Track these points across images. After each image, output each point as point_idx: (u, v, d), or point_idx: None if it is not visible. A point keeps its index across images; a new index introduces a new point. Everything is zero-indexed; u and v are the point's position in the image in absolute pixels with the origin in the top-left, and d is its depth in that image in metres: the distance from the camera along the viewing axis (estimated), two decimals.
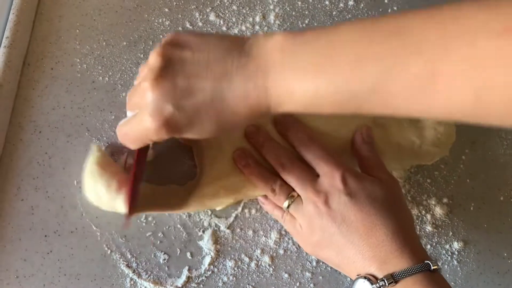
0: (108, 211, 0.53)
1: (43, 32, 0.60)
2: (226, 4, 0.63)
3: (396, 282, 0.44)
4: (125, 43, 0.60)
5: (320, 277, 0.55)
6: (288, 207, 0.51)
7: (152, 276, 0.53)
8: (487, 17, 0.34)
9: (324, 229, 0.48)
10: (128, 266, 0.53)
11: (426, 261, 0.45)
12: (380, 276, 0.45)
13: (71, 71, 0.59)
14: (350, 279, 0.48)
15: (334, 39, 0.39)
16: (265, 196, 0.54)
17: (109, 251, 0.53)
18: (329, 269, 0.55)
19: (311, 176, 0.50)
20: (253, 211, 0.56)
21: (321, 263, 0.55)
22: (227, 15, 0.63)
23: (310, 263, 0.55)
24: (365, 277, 0.45)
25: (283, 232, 0.56)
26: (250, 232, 0.55)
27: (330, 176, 0.49)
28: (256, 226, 0.56)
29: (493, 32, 0.33)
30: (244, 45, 0.41)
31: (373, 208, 0.48)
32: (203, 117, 0.41)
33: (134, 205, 0.49)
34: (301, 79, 0.39)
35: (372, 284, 0.45)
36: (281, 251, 0.55)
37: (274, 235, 0.55)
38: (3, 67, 0.56)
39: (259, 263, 0.54)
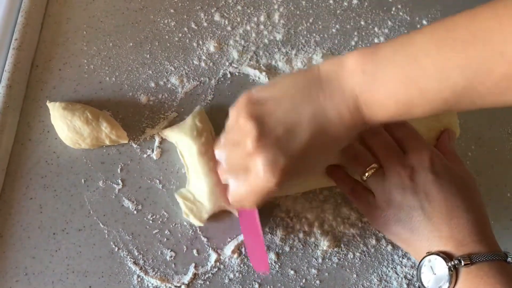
0: (115, 210, 0.54)
1: (51, 34, 0.61)
2: (231, 4, 0.64)
3: (472, 264, 0.44)
4: (131, 44, 0.61)
5: (326, 274, 0.55)
6: (366, 177, 0.51)
7: (159, 273, 0.53)
8: None
9: (403, 203, 0.49)
10: (135, 263, 0.54)
11: (505, 252, 0.46)
12: (456, 255, 0.45)
13: (78, 72, 0.60)
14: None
15: (413, 52, 0.41)
16: (334, 167, 0.54)
17: (116, 249, 0.54)
18: (335, 265, 0.55)
19: (399, 151, 0.52)
20: None
21: (327, 260, 0.55)
22: (232, 15, 0.64)
23: (316, 260, 0.55)
24: (438, 254, 0.45)
25: (289, 229, 0.56)
26: None
27: (418, 153, 0.50)
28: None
29: None
30: (319, 76, 0.44)
31: (457, 191, 0.48)
32: (312, 154, 0.44)
33: (267, 261, 0.52)
34: (391, 93, 0.41)
35: (445, 261, 0.45)
36: (287, 248, 0.55)
37: (280, 232, 0.56)
38: (12, 68, 0.57)
39: None
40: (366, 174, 0.51)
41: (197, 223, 0.54)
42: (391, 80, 0.41)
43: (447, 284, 0.45)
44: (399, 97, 0.41)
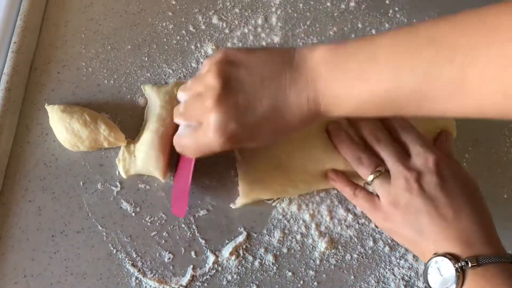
0: (113, 212, 0.54)
1: (49, 37, 0.61)
2: (229, 7, 0.64)
3: (479, 265, 0.45)
4: (129, 47, 0.62)
5: (324, 275, 0.55)
6: (372, 180, 0.52)
7: (157, 275, 0.54)
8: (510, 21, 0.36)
9: (410, 205, 0.49)
10: (133, 265, 0.54)
11: (511, 253, 0.46)
12: (463, 256, 0.45)
13: (77, 75, 0.60)
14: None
15: (374, 51, 0.42)
16: (334, 172, 0.55)
17: (114, 251, 0.54)
18: (332, 267, 0.55)
19: (404, 154, 0.52)
20: None
21: (324, 261, 0.55)
22: (230, 17, 0.64)
23: (314, 261, 0.55)
24: (445, 256, 0.46)
25: (286, 231, 0.56)
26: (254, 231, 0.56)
27: (424, 157, 0.51)
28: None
29: None
30: (292, 61, 0.45)
31: (462, 194, 0.49)
32: (262, 130, 0.45)
33: (186, 208, 0.53)
34: (346, 88, 0.43)
35: (452, 263, 0.45)
36: (285, 250, 0.55)
37: (277, 234, 0.56)
38: (11, 71, 0.57)
39: (263, 262, 0.55)
40: (372, 176, 0.52)
41: (122, 173, 0.56)
42: (348, 76, 0.43)
43: (454, 286, 0.45)
44: (353, 92, 0.43)
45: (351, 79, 0.43)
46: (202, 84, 0.47)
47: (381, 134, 0.54)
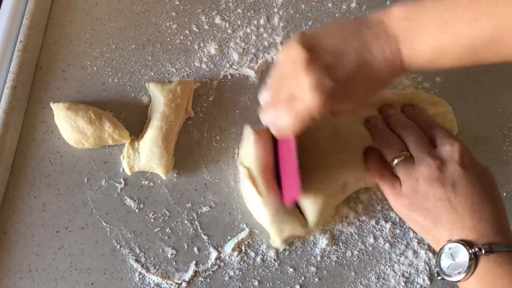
0: (117, 208, 0.55)
1: (55, 36, 0.62)
2: (232, 8, 0.65)
3: (492, 252, 0.46)
4: (133, 46, 0.62)
5: (325, 272, 0.55)
6: (396, 164, 0.53)
7: (160, 271, 0.54)
8: None
9: (430, 192, 0.50)
10: (137, 260, 0.54)
11: None
12: (477, 244, 0.46)
13: (81, 73, 0.61)
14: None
15: (452, 3, 0.45)
16: (370, 148, 0.56)
17: (118, 246, 0.55)
18: (333, 263, 0.56)
19: (429, 144, 0.54)
20: None
21: (325, 258, 0.56)
22: (232, 18, 0.65)
23: (315, 257, 0.56)
24: (459, 242, 0.47)
25: None
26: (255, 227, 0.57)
27: (449, 146, 0.52)
28: None
29: None
30: (367, 22, 0.48)
31: (483, 186, 0.50)
32: (356, 84, 0.47)
33: (299, 189, 0.51)
34: (427, 39, 0.46)
35: (466, 248, 0.46)
36: (286, 246, 0.56)
37: None
38: (17, 69, 0.58)
39: (265, 258, 0.55)
40: (396, 160, 0.53)
41: (126, 170, 0.57)
42: (428, 26, 0.45)
43: (467, 270, 0.46)
44: (434, 42, 0.45)
45: (432, 30, 0.45)
46: (285, 65, 0.49)
47: (408, 127, 0.56)
